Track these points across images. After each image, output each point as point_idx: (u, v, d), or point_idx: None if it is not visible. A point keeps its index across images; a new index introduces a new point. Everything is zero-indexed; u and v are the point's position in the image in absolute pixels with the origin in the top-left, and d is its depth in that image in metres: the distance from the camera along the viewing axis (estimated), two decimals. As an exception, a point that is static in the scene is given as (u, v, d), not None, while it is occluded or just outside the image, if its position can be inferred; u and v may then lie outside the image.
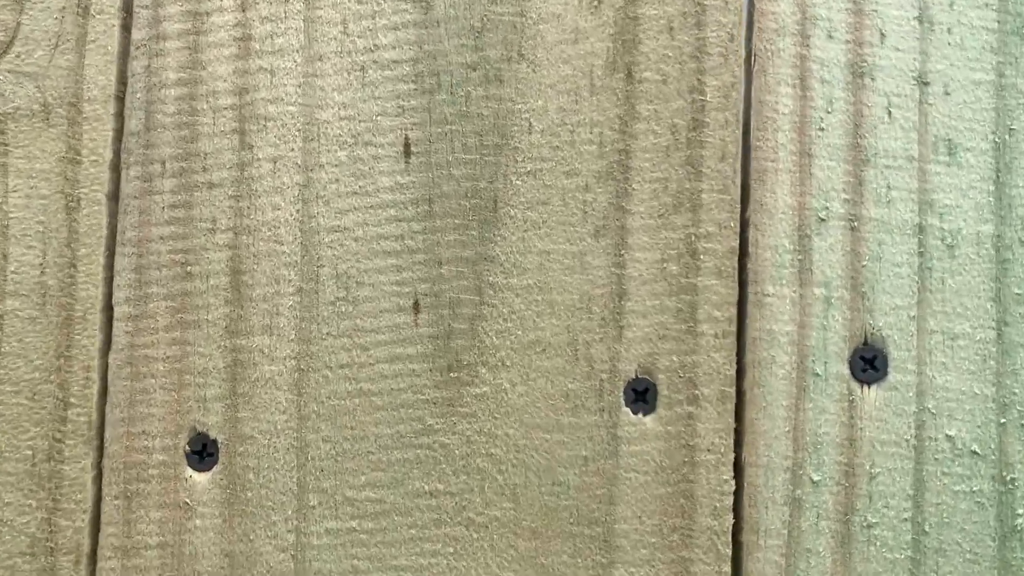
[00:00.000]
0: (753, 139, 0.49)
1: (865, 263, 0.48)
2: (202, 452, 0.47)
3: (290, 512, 0.46)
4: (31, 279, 0.46)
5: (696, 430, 0.48)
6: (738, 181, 0.48)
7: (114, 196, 0.48)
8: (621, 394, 0.48)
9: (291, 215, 0.48)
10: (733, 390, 0.48)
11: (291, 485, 0.47)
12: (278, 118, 0.48)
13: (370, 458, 0.47)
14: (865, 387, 0.48)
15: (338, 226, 0.48)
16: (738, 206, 0.49)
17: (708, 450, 0.48)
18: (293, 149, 0.48)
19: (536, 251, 0.49)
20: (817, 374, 0.48)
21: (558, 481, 0.48)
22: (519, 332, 0.48)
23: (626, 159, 0.49)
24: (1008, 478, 0.47)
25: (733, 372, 0.48)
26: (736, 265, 0.48)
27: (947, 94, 0.48)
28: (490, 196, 0.49)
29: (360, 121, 0.48)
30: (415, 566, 0.46)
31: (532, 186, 0.49)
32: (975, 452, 0.47)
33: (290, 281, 0.48)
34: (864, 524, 0.46)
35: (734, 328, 0.48)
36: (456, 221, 0.49)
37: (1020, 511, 0.47)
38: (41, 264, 0.45)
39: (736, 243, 0.48)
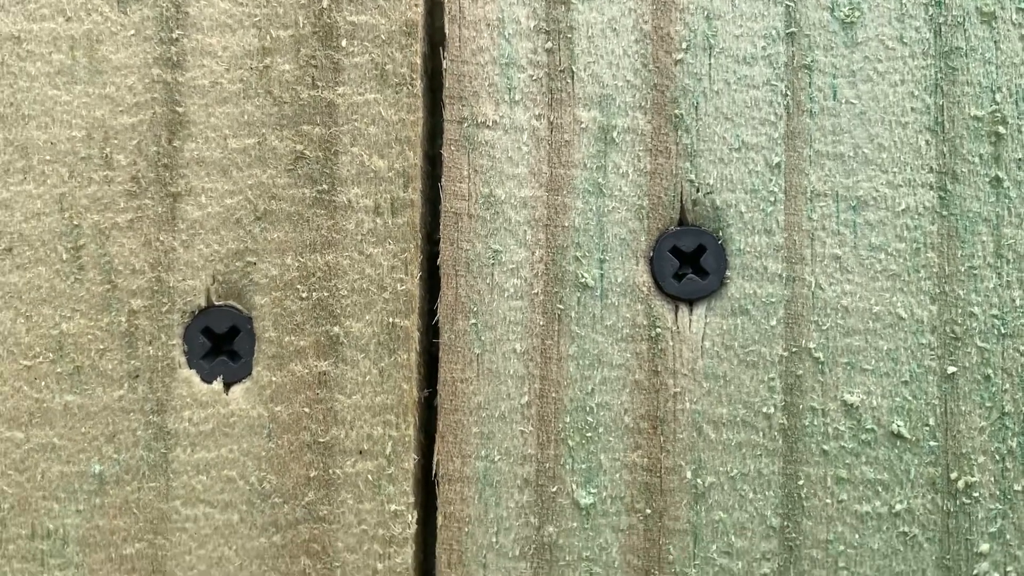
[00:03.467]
0: None
1: (676, 26, 0.32)
2: None
3: None
4: None
5: (334, 407, 0.31)
6: None
7: None
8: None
9: None
10: (412, 322, 0.32)
11: None
12: None
13: None
14: (683, 309, 0.33)
15: None
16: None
17: (361, 452, 0.32)
18: None
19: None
20: (586, 285, 0.33)
21: None
22: None
23: None
24: (961, 484, 0.32)
25: (413, 284, 0.32)
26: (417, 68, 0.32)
27: None
28: None
29: None
30: None
31: None
32: (899, 435, 0.32)
33: None
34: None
35: (416, 194, 0.32)
36: None
37: (983, 545, 0.32)
38: None
39: None
